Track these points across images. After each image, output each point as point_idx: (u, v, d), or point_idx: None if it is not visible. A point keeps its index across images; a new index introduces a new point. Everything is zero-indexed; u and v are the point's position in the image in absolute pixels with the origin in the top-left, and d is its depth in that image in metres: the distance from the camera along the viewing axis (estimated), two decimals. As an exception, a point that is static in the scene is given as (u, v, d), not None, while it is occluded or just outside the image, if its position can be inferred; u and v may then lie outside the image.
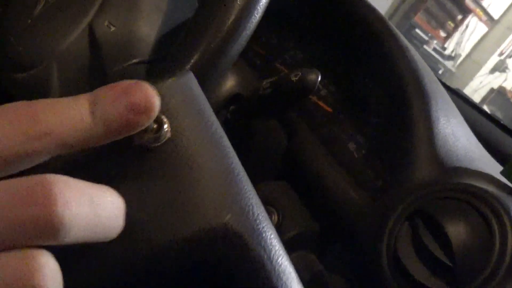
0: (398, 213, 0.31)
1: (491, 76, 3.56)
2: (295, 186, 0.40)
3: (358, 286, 0.35)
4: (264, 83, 0.38)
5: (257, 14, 0.30)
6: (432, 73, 0.39)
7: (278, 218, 0.37)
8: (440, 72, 3.41)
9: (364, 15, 0.40)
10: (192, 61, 0.28)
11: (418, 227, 0.29)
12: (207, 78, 0.29)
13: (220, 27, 0.29)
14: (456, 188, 0.29)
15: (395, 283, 0.29)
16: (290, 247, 0.35)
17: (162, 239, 0.18)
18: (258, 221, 0.19)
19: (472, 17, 3.43)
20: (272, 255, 0.19)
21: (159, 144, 0.18)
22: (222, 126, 0.42)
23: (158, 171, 0.19)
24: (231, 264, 0.19)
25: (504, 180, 0.31)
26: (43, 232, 0.12)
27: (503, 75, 3.55)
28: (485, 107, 3.21)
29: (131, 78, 0.20)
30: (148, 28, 0.33)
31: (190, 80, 0.21)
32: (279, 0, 0.47)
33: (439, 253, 0.28)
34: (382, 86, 0.39)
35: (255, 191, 0.20)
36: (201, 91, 0.22)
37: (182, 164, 0.19)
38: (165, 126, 0.18)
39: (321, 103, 0.43)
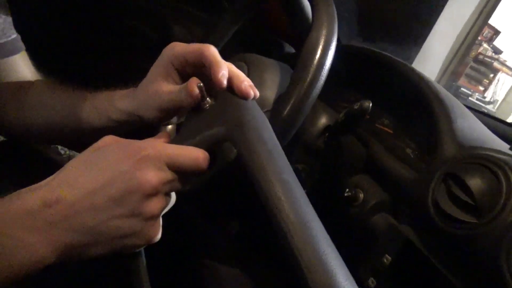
0: (437, 177, 0.46)
1: (521, 112, 5.04)
2: (373, 177, 0.59)
3: (418, 228, 0.49)
4: (341, 114, 0.60)
5: (321, 79, 0.48)
6: (453, 98, 0.57)
7: (364, 195, 0.57)
8: (484, 113, 4.94)
9: (407, 75, 0.62)
10: (289, 106, 0.48)
11: (450, 184, 0.44)
12: (300, 113, 0.48)
13: (301, 88, 0.47)
14: (473, 156, 0.44)
15: (439, 220, 0.43)
16: (373, 211, 0.57)
17: None
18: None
19: (500, 73, 4.98)
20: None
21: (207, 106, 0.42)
22: (324, 145, 0.67)
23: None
24: None
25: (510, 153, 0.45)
26: None
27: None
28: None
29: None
30: (270, 93, 0.55)
31: (254, 103, 0.41)
32: (357, 72, 0.74)
33: (465, 198, 0.42)
34: (421, 115, 0.57)
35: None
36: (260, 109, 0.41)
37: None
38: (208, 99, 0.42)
39: (385, 128, 0.64)
